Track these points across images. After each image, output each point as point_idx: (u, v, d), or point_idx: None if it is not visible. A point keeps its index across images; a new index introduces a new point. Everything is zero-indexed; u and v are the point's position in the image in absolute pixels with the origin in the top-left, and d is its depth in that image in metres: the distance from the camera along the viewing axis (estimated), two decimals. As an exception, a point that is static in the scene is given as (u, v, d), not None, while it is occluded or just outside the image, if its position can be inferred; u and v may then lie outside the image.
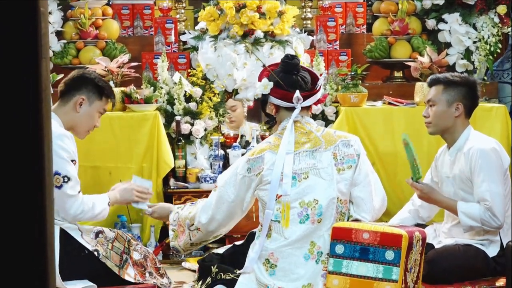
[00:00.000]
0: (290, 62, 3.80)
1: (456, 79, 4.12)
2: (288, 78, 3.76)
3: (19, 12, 1.24)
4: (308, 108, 3.84)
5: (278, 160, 3.64)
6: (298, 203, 3.62)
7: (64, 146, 3.78)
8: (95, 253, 3.77)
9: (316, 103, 3.93)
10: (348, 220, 3.70)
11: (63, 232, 3.75)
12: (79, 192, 3.84)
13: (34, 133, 1.24)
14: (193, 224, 3.89)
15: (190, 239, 3.92)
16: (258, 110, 5.69)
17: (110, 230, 3.96)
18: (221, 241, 5.13)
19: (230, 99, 5.65)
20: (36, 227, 1.23)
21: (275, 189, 3.63)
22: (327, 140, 3.72)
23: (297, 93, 3.70)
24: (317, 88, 3.80)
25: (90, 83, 3.99)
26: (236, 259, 3.88)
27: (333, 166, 3.67)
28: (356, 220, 3.69)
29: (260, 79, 3.84)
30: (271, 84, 3.76)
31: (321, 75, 3.97)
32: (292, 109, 3.76)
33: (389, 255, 3.39)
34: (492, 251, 4.00)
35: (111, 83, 5.42)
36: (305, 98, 3.74)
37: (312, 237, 3.61)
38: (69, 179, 3.76)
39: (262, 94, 3.80)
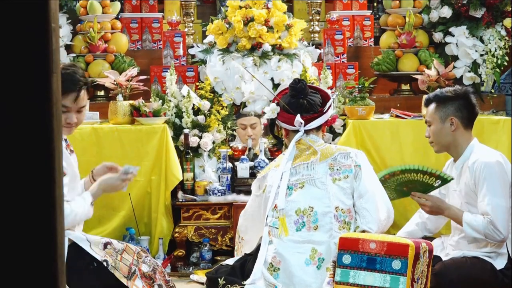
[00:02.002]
0: (295, 86, 3.99)
1: (446, 95, 4.12)
2: (295, 102, 3.97)
3: (30, 28, 1.27)
4: (318, 128, 4.01)
5: (276, 177, 3.88)
6: (294, 211, 3.79)
7: None
8: (104, 263, 3.76)
9: (326, 124, 4.11)
10: (355, 231, 3.73)
11: (73, 245, 3.75)
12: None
13: (45, 147, 1.26)
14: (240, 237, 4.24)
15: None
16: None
17: (119, 242, 3.97)
18: (228, 253, 5.14)
19: (253, 116, 5.65)
20: (47, 239, 1.25)
21: (272, 201, 3.84)
22: (324, 153, 3.89)
23: (298, 117, 3.91)
24: (325, 110, 3.94)
25: None
26: (246, 269, 3.90)
27: (327, 176, 3.83)
28: (363, 231, 3.72)
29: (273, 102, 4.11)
30: (277, 108, 4.00)
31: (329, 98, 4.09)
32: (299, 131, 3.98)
33: (396, 264, 3.39)
34: (499, 263, 4.00)
35: (120, 97, 5.46)
36: (309, 120, 3.94)
37: (313, 243, 3.72)
38: None
39: (271, 118, 4.05)
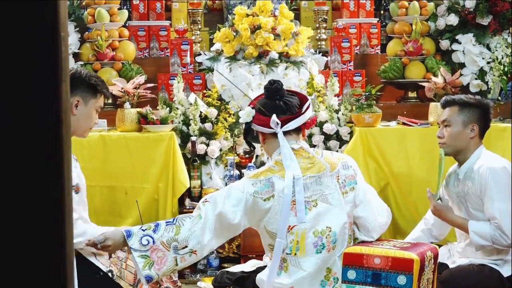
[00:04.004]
0: (270, 87, 3.67)
1: (471, 101, 4.14)
2: (270, 103, 3.64)
3: (40, 36, 1.28)
4: (297, 132, 3.67)
5: (287, 187, 3.48)
6: (312, 232, 3.48)
7: None
8: (109, 274, 3.78)
9: (304, 127, 3.73)
10: (355, 243, 3.64)
11: (79, 255, 3.76)
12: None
13: (54, 155, 1.27)
14: (186, 247, 3.39)
15: (177, 264, 3.41)
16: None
17: (121, 250, 3.96)
18: (236, 261, 5.14)
19: None
20: (56, 249, 1.26)
21: (286, 217, 3.46)
22: (331, 164, 3.60)
23: (274, 117, 3.57)
24: (303, 111, 3.64)
25: (82, 83, 3.77)
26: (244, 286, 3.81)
27: (339, 190, 3.56)
28: (364, 241, 3.64)
29: None
30: (253, 111, 3.64)
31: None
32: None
33: (401, 279, 3.38)
34: (506, 270, 4.00)
35: (127, 104, 5.48)
36: (286, 121, 3.61)
37: (327, 263, 3.52)
38: None
39: (246, 123, 3.68)
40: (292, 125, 3.60)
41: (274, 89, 3.67)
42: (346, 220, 3.54)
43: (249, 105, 3.74)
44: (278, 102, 3.63)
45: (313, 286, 3.50)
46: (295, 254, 3.48)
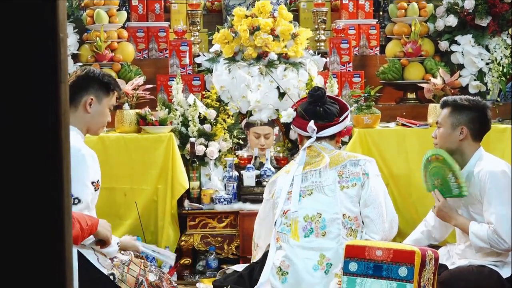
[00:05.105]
0: (314, 94, 4.09)
1: (464, 103, 4.12)
2: (311, 109, 4.05)
3: (39, 37, 1.28)
4: (331, 138, 4.08)
5: (286, 182, 3.95)
6: (303, 217, 3.84)
7: (83, 168, 3.62)
8: (111, 277, 3.77)
9: (340, 134, 4.17)
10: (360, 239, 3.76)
11: (80, 255, 3.75)
12: None
13: (54, 155, 1.27)
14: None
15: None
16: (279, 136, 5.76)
17: (123, 253, 3.96)
18: (235, 262, 5.15)
19: (266, 126, 5.62)
20: (55, 249, 1.26)
21: (282, 205, 3.92)
22: (334, 160, 3.94)
23: (311, 124, 3.97)
24: (340, 120, 4.03)
25: (95, 81, 3.83)
26: (254, 276, 3.92)
27: (336, 183, 3.88)
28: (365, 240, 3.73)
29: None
30: (294, 113, 4.10)
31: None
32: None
33: (402, 271, 3.40)
34: (506, 272, 3.99)
35: (126, 105, 5.48)
36: (322, 128, 4.01)
37: (321, 250, 3.77)
38: (79, 201, 3.59)
39: (287, 122, 4.17)
40: (327, 132, 4.04)
41: (317, 96, 4.08)
42: (338, 211, 3.82)
43: (291, 107, 4.21)
44: (318, 109, 4.06)
45: (304, 266, 3.76)
46: (285, 233, 3.85)
